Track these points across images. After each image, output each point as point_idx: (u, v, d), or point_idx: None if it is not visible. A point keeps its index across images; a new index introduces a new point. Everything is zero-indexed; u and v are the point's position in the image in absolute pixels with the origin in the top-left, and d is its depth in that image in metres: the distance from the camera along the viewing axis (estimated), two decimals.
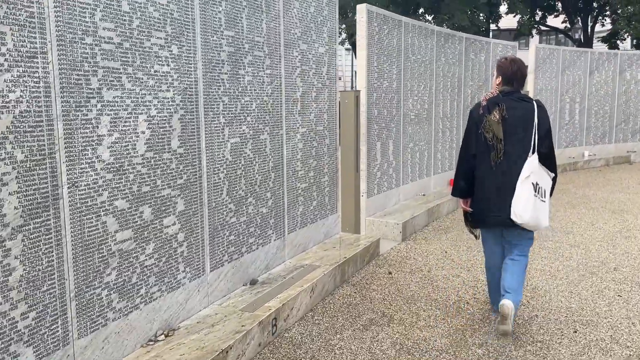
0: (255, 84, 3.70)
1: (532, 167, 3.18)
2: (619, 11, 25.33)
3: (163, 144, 2.86)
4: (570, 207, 7.14)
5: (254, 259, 3.79)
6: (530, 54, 9.95)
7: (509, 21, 30.99)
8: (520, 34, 27.77)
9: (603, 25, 28.66)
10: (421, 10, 27.39)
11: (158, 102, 2.81)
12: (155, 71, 2.78)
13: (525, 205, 3.15)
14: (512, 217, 3.17)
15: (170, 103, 2.90)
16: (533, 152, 3.21)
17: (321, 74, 4.62)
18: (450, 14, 24.73)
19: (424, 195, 7.05)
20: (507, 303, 3.13)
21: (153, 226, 2.82)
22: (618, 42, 26.97)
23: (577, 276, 4.45)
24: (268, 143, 3.89)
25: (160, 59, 2.81)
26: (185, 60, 3.00)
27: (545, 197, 3.25)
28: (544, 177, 3.26)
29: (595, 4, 28.14)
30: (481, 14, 27.75)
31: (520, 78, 3.36)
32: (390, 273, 4.53)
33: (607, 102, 11.61)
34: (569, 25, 28.73)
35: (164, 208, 2.89)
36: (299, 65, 4.27)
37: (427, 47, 6.96)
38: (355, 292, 4.10)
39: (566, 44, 32.81)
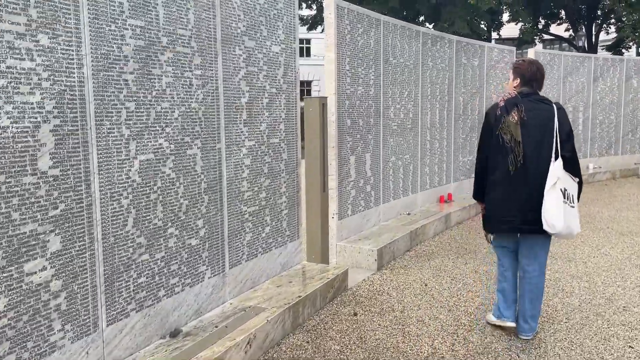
0: (179, 87, 3.01)
1: (558, 173, 3.07)
2: (624, 19, 24.70)
3: (23, 164, 2.16)
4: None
5: (177, 303, 3.07)
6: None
7: (511, 30, 30.39)
8: (522, 42, 27.11)
9: (607, 33, 27.98)
10: (422, 18, 26.90)
11: (14, 108, 2.12)
12: (8, 67, 2.09)
13: (557, 213, 3.04)
14: (545, 227, 3.08)
15: (36, 110, 2.21)
16: (557, 157, 3.11)
17: (275, 77, 3.93)
18: (450, 22, 24.16)
19: (408, 214, 6.32)
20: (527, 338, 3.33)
21: (6, 274, 2.12)
22: (623, 50, 26.26)
23: (579, 319, 3.70)
24: (199, 160, 3.19)
25: (16, 51, 2.12)
26: (63, 54, 2.31)
27: (574, 202, 3.15)
28: (570, 182, 3.15)
29: (599, 12, 27.53)
30: (482, 22, 27.20)
31: (539, 79, 3.29)
32: (355, 314, 3.79)
33: (612, 111, 10.88)
34: (572, 33, 28.09)
35: (25, 249, 2.19)
36: (243, 66, 3.58)
37: (411, 50, 6.27)
38: (308, 342, 3.36)
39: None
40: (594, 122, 10.63)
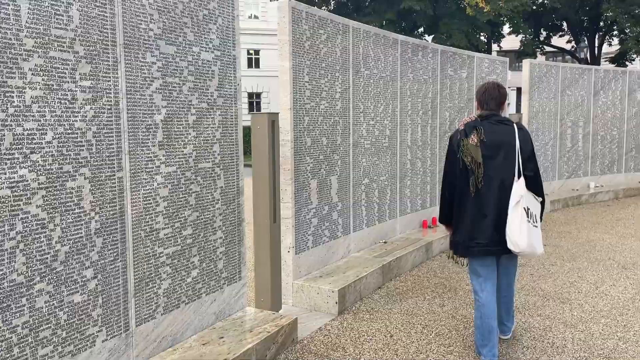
0: (53, 102, 2.37)
1: (521, 192, 3.10)
2: (627, 30, 24.13)
3: None
4: (570, 259, 5.69)
5: None
6: (524, 71, 8.61)
7: (511, 42, 29.86)
8: (523, 54, 26.52)
9: (610, 45, 27.40)
10: (421, 29, 26.39)
11: None
12: None
13: (520, 232, 3.06)
14: (509, 245, 3.10)
15: None
16: (519, 177, 3.14)
17: (205, 89, 3.29)
18: (448, 34, 23.63)
19: (385, 242, 5.64)
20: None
21: None
22: (627, 62, 25.64)
23: None
24: (87, 193, 2.54)
25: None
26: None
27: (537, 222, 3.19)
28: (533, 202, 3.20)
29: (602, 23, 26.99)
30: (482, 34, 26.66)
31: (491, 99, 3.26)
32: None
33: (615, 126, 10.21)
34: (574, 45, 27.52)
35: None
36: (158, 77, 2.94)
37: (387, 60, 5.64)
38: None
39: None
40: (595, 138, 9.96)
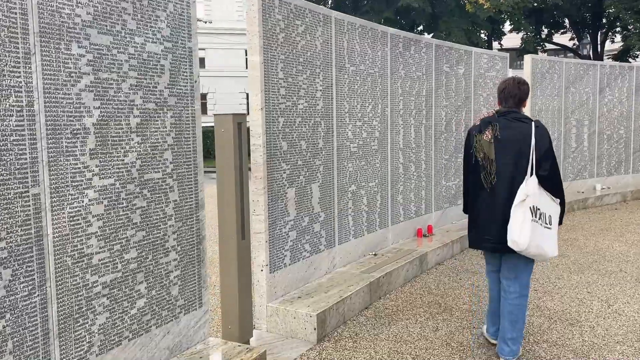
0: None
1: (528, 190, 3.02)
2: (631, 27, 23.60)
3: None
4: (577, 272, 5.20)
5: None
6: (525, 67, 8.12)
7: (512, 40, 29.32)
8: (524, 52, 25.98)
9: (613, 42, 26.87)
10: (420, 28, 25.89)
11: None
12: None
13: (521, 230, 2.97)
14: (509, 243, 3.04)
15: None
16: (531, 175, 3.05)
17: (153, 87, 2.81)
18: (448, 32, 23.13)
19: (375, 254, 5.15)
20: None
21: None
22: (630, 59, 25.09)
23: None
24: None
25: None
26: None
27: (551, 224, 3.07)
28: (547, 202, 3.07)
29: (604, 20, 26.44)
30: (482, 31, 26.15)
31: (511, 96, 3.21)
32: None
33: (622, 125, 9.70)
34: (577, 43, 26.99)
35: None
36: (88, 72, 2.47)
37: (376, 55, 5.16)
38: None
39: None
40: (601, 138, 9.45)
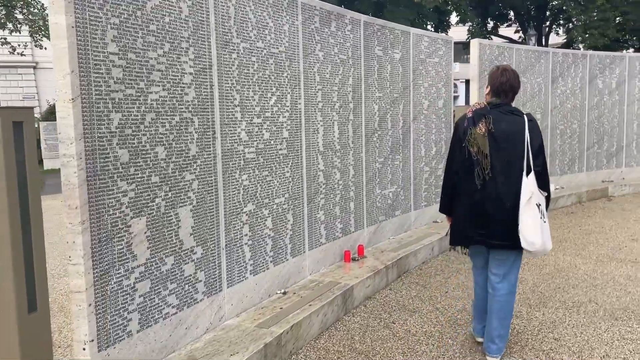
0: None
1: (532, 188, 2.96)
2: (574, 19, 23.52)
3: None
4: (539, 304, 4.15)
5: None
6: (472, 53, 7.10)
7: (459, 33, 28.89)
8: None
9: (558, 34, 26.89)
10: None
11: None
12: None
13: (535, 230, 2.93)
14: (523, 245, 2.96)
15: None
16: (529, 171, 2.99)
17: None
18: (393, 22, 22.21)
19: (284, 292, 3.92)
20: None
21: None
22: None
23: None
24: None
25: None
26: None
27: (545, 217, 3.05)
28: (541, 197, 3.05)
29: (548, 12, 26.37)
30: (429, 23, 25.49)
31: (509, 90, 3.10)
32: None
33: (575, 119, 8.92)
34: (522, 35, 26.84)
35: None
36: None
37: (281, 30, 3.91)
38: None
39: None
40: (554, 133, 8.62)
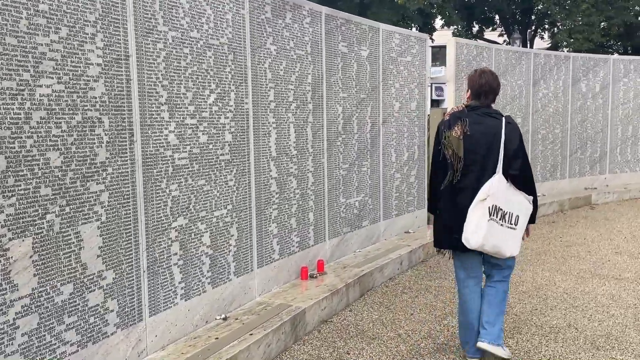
0: None
1: (490, 190, 2.94)
2: (559, 24, 23.40)
3: None
4: (513, 330, 3.70)
5: None
6: (448, 53, 6.69)
7: (444, 37, 28.69)
8: None
9: (542, 38, 26.79)
10: None
11: None
12: None
13: (475, 230, 2.94)
14: (463, 240, 3.00)
15: None
16: (498, 173, 2.97)
17: None
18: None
19: (225, 319, 3.43)
20: (483, 346, 3.05)
21: None
22: None
23: None
24: None
25: None
26: None
27: (516, 224, 2.99)
28: (516, 201, 3.00)
29: (533, 17, 26.26)
30: (413, 25, 25.20)
31: (489, 92, 3.11)
32: None
33: (557, 123, 8.56)
34: (507, 39, 26.69)
35: None
36: None
37: (223, 18, 3.43)
38: None
39: None
40: (535, 138, 8.25)
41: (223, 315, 3.46)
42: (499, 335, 3.06)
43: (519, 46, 25.06)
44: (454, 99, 6.62)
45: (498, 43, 27.14)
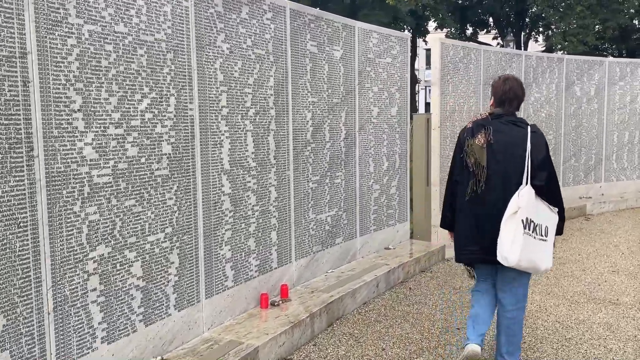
0: None
1: (520, 202, 2.81)
2: (553, 26, 23.06)
3: None
4: None
5: None
6: (433, 54, 6.22)
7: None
8: None
9: (536, 41, 26.45)
10: None
11: None
12: None
13: (512, 246, 2.78)
14: (499, 258, 2.85)
15: None
16: (526, 184, 2.85)
17: None
18: None
19: None
20: None
21: None
22: None
23: None
24: None
25: None
26: None
27: (547, 235, 2.87)
28: (543, 213, 2.88)
29: (528, 19, 25.92)
30: (406, 27, 24.79)
31: (513, 98, 3.03)
32: None
33: (550, 129, 8.11)
34: (500, 42, 26.35)
35: None
36: None
37: (159, 12, 2.93)
38: None
39: None
40: None
41: (159, 357, 2.96)
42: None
43: (513, 49, 24.71)
44: (439, 103, 6.15)
45: (490, 45, 26.82)
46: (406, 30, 25.37)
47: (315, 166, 4.44)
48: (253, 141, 3.74)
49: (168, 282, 3.07)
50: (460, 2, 25.60)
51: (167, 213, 3.05)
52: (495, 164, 2.92)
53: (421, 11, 23.33)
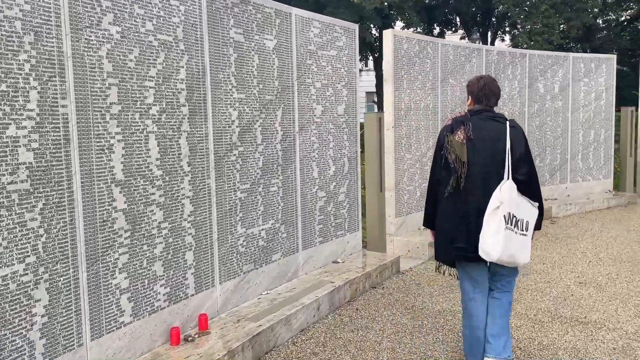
0: None
1: (502, 197, 2.81)
2: (519, 26, 23.04)
3: None
4: None
5: None
6: (385, 48, 5.68)
7: None
8: None
9: (503, 40, 26.46)
10: None
11: None
12: None
13: (494, 240, 2.79)
14: (480, 253, 2.84)
15: None
16: (507, 179, 2.86)
17: None
18: None
19: None
20: None
21: None
22: None
23: None
24: None
25: None
26: None
27: (527, 230, 2.89)
28: (524, 207, 2.88)
29: (494, 19, 25.89)
30: (372, 25, 24.42)
31: (489, 94, 3.05)
32: None
33: None
34: (467, 41, 26.27)
35: None
36: None
37: None
38: None
39: None
40: None
41: None
42: (505, 348, 2.95)
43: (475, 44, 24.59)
44: (392, 101, 5.63)
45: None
46: (373, 29, 25.03)
47: (244, 173, 3.84)
48: (158, 145, 3.12)
49: (32, 325, 2.42)
50: (427, 1, 25.39)
51: (29, 238, 2.40)
52: (476, 160, 2.91)
53: (387, 10, 22.99)
